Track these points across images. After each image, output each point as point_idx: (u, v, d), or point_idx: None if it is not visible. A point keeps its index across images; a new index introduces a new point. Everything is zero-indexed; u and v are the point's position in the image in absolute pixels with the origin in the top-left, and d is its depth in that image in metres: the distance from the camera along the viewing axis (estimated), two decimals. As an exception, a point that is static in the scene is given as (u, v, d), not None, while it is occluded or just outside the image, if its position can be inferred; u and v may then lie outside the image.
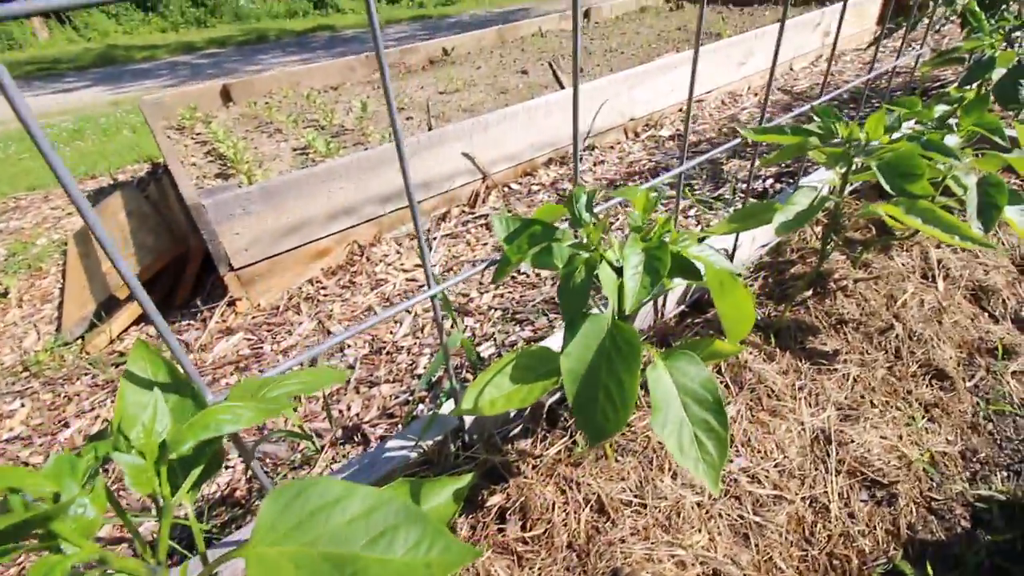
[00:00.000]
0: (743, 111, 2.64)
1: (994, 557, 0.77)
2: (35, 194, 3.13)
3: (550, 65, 2.34)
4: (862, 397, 0.90)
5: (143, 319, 1.71)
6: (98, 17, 15.13)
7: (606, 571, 0.67)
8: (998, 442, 0.97)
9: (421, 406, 1.21)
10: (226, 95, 2.96)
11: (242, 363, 1.47)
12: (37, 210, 2.86)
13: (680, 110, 2.66)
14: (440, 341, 0.65)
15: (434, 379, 1.24)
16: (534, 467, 0.75)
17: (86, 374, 1.52)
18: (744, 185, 1.88)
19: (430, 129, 2.06)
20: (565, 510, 0.70)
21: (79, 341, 1.65)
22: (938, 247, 1.25)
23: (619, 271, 0.53)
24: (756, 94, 2.87)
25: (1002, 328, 1.11)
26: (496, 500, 0.71)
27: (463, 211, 2.00)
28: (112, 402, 1.41)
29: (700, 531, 0.72)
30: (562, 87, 2.30)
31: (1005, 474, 0.92)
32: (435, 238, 1.88)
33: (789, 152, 0.80)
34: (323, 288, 1.74)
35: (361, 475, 0.71)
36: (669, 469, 0.80)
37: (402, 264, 1.78)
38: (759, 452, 0.80)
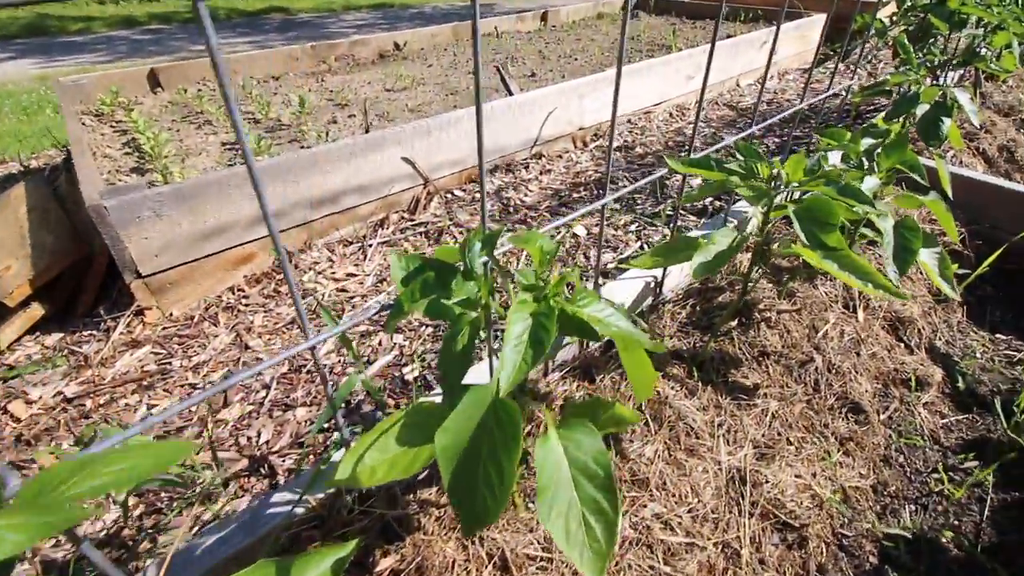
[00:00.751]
0: (690, 124, 2.67)
1: (896, 600, 0.78)
2: None
3: (498, 70, 2.29)
4: (779, 434, 0.90)
5: (39, 327, 1.55)
6: (27, -19, 14.05)
7: (507, 633, 0.62)
8: (908, 475, 0.99)
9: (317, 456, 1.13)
10: (154, 80, 2.76)
11: (146, 380, 1.35)
12: None
13: (629, 120, 2.67)
14: (326, 394, 0.59)
15: (327, 425, 1.17)
16: (437, 519, 0.70)
17: (-36, 391, 1.36)
18: (671, 213, 1.89)
19: (366, 131, 1.97)
20: (466, 569, 0.65)
21: (-39, 352, 1.48)
22: (860, 276, 1.28)
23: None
24: (703, 108, 2.91)
25: (916, 359, 1.14)
26: (388, 563, 0.66)
27: (402, 217, 1.92)
28: (-9, 424, 1.26)
29: (610, 582, 0.69)
30: (510, 93, 2.25)
31: (913, 508, 0.94)
32: (371, 245, 1.80)
33: (711, 189, 0.78)
34: (245, 297, 1.62)
35: (240, 534, 0.64)
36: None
37: (333, 272, 1.69)
38: (674, 496, 0.78)
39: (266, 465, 1.09)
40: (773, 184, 0.74)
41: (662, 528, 0.75)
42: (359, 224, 1.85)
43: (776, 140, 2.40)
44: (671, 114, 2.80)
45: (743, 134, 1.05)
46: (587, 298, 0.50)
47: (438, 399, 0.62)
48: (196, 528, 0.98)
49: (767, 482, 0.84)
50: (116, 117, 2.42)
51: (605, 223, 1.79)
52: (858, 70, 1.91)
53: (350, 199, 1.77)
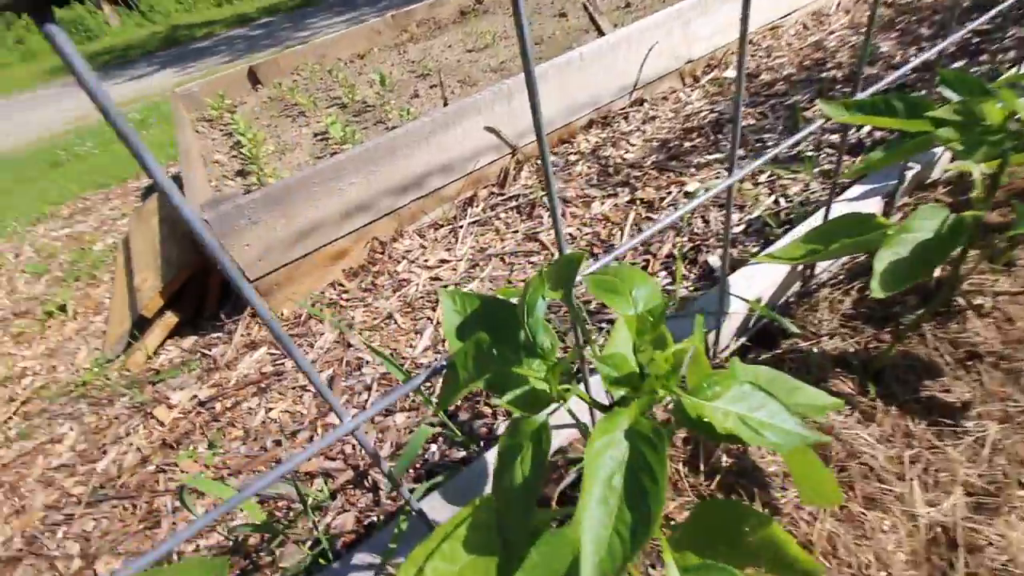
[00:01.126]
0: (831, 35, 2.16)
1: None
2: (100, 193, 3.25)
3: (584, 6, 1.99)
4: (1004, 474, 0.64)
5: (177, 332, 1.69)
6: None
7: None
8: None
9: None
10: (253, 78, 2.86)
11: (264, 382, 1.40)
12: (98, 212, 2.96)
13: (751, 41, 2.23)
14: (383, 471, 0.49)
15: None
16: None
17: (124, 395, 1.53)
18: (828, 176, 1.53)
19: (445, 104, 1.83)
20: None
21: (121, 358, 1.66)
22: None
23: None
24: (848, 11, 2.34)
25: None
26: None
27: (491, 193, 1.79)
28: (144, 428, 1.40)
29: None
30: (601, 33, 1.96)
31: None
32: (462, 226, 1.70)
33: (901, 153, 0.52)
34: (345, 292, 1.63)
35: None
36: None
37: (426, 260, 1.62)
38: (850, 568, 0.58)
39: (369, 478, 1.07)
40: (1007, 135, 0.47)
41: None
42: (447, 205, 1.76)
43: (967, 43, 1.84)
44: (805, 25, 2.29)
45: (936, 48, 0.73)
46: (718, 383, 0.32)
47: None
48: (309, 543, 0.98)
49: (990, 544, 0.60)
50: (224, 120, 2.55)
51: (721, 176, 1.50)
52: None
53: (435, 180, 1.67)
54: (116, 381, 1.58)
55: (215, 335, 1.63)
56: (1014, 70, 1.26)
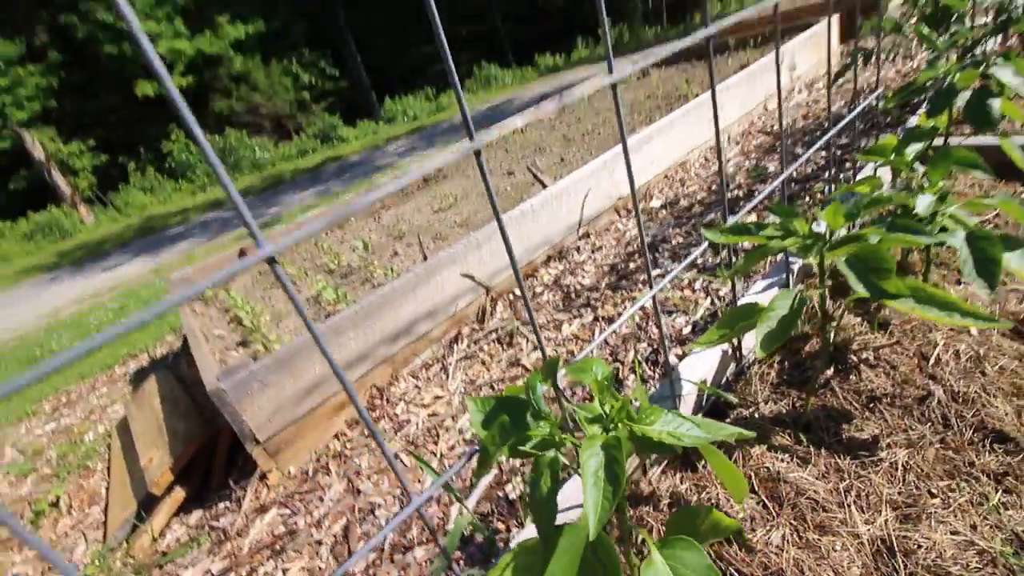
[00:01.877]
0: (728, 163, 2.66)
1: None
2: (84, 384, 3.31)
3: (528, 169, 2.44)
4: (917, 488, 0.80)
5: (182, 509, 1.72)
6: (134, 194, 16.67)
7: None
8: None
9: None
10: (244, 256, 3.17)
11: (277, 544, 1.44)
12: (85, 402, 3.01)
13: (666, 176, 2.70)
14: (437, 544, 0.62)
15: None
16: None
17: (130, 583, 1.52)
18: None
19: (424, 259, 2.14)
20: None
21: (124, 545, 1.66)
22: (958, 283, 1.17)
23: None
24: (737, 142, 2.90)
25: None
26: None
27: (473, 330, 2.01)
28: (157, 611, 1.39)
29: None
30: (544, 186, 2.38)
31: None
32: (451, 364, 1.88)
33: (755, 258, 0.77)
34: (349, 441, 1.73)
35: None
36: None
37: (421, 399, 1.77)
38: None
39: (397, 612, 1.11)
40: (815, 239, 0.72)
41: None
42: (436, 346, 1.96)
43: (824, 154, 2.33)
44: (706, 158, 2.81)
45: (775, 182, 1.04)
46: (652, 415, 0.51)
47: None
48: None
49: (920, 547, 0.74)
50: (219, 298, 2.78)
51: (666, 289, 1.77)
52: (883, 66, 1.87)
53: (423, 325, 1.90)
54: (121, 572, 1.57)
55: (222, 504, 1.67)
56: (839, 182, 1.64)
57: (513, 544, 0.83)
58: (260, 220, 8.88)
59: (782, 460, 0.88)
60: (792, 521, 0.79)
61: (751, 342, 1.12)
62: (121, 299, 5.72)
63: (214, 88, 19.56)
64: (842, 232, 0.74)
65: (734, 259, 1.82)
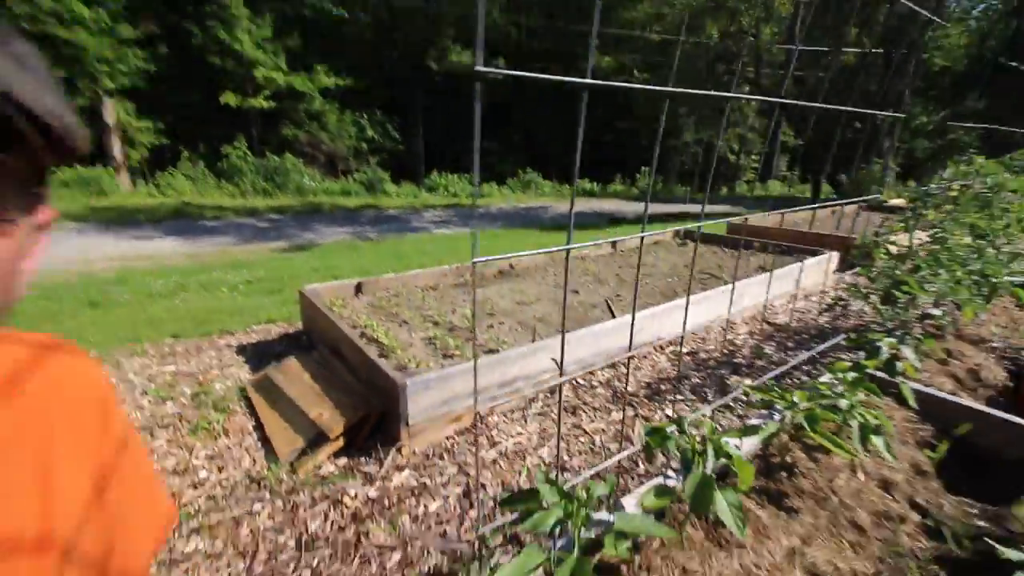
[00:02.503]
0: (738, 336, 3.67)
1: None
2: (180, 343, 3.97)
3: (607, 303, 3.44)
4: (812, 535, 1.65)
5: (338, 454, 2.46)
6: (178, 179, 17.58)
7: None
8: (893, 568, 1.68)
9: None
10: (358, 288, 4.05)
11: (416, 490, 2.20)
12: (193, 358, 3.68)
13: (694, 333, 3.70)
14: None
15: None
16: None
17: (301, 490, 2.24)
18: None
19: (533, 340, 3.04)
20: None
21: (290, 466, 2.38)
22: (860, 453, 2.08)
23: None
24: (747, 323, 3.94)
25: (899, 506, 1.89)
26: None
27: (546, 397, 2.87)
28: (334, 509, 2.11)
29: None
30: (613, 316, 3.36)
31: None
32: (529, 414, 2.72)
33: (749, 431, 1.68)
34: (456, 444, 2.52)
35: None
36: None
37: (509, 431, 2.59)
38: (755, 553, 1.53)
39: (513, 541, 1.87)
40: (785, 410, 1.62)
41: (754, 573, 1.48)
42: (520, 400, 2.80)
43: (806, 351, 3.34)
44: (723, 328, 3.83)
45: (769, 375, 1.98)
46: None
47: None
48: None
49: (806, 555, 1.57)
50: (343, 315, 3.62)
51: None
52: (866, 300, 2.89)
53: (520, 384, 2.76)
54: (292, 479, 2.29)
55: (366, 458, 2.42)
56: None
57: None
58: (295, 240, 9.74)
59: (758, 506, 1.72)
60: (755, 529, 1.63)
61: (747, 448, 1.99)
62: (173, 274, 6.32)
63: (289, 116, 21.37)
64: (802, 407, 1.66)
65: (735, 405, 2.70)
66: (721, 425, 2.54)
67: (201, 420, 2.76)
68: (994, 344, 3.23)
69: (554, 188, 22.69)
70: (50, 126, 0.37)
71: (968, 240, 3.09)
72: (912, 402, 2.16)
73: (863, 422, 1.69)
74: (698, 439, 1.42)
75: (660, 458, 2.33)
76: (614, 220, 14.17)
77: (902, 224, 3.13)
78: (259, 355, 3.66)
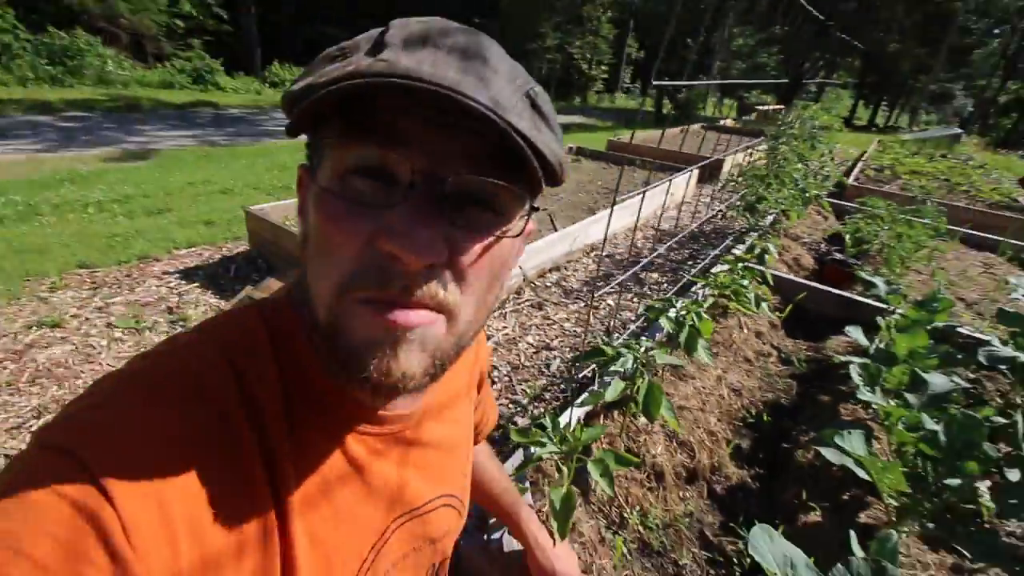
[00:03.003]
0: (640, 239, 4.64)
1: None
2: (98, 272, 3.71)
3: (550, 217, 4.07)
4: (728, 367, 2.63)
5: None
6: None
7: None
8: (767, 380, 2.77)
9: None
10: (303, 208, 4.12)
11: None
12: (140, 287, 3.55)
13: (613, 236, 4.56)
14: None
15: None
16: None
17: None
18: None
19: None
20: None
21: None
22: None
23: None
24: (640, 230, 4.93)
25: (767, 347, 2.99)
26: None
27: (515, 298, 3.52)
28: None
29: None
30: (555, 229, 4.02)
31: (769, 390, 2.72)
32: (507, 312, 3.36)
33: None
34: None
35: None
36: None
37: (495, 326, 3.21)
38: (684, 392, 2.46)
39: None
40: (714, 289, 2.48)
41: (684, 405, 2.39)
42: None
43: (688, 251, 4.41)
44: (626, 235, 4.76)
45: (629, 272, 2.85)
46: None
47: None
48: None
49: (726, 378, 2.54)
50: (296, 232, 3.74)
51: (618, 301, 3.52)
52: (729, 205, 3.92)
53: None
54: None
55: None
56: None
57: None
58: (122, 146, 8.52)
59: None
60: (671, 378, 2.54)
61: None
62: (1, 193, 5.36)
63: (70, -26, 16.77)
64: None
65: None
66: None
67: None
68: (805, 240, 4.64)
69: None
70: (552, 166, 0.41)
71: (797, 164, 4.29)
72: (770, 282, 3.25)
73: (758, 293, 2.66)
74: (682, 311, 2.21)
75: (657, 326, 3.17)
76: None
77: (761, 153, 4.21)
78: (211, 279, 3.66)
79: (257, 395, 0.44)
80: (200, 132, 10.50)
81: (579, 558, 1.57)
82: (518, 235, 0.45)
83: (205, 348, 0.45)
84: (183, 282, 3.62)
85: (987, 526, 1.48)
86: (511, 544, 1.35)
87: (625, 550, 1.69)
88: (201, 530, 0.38)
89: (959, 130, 16.48)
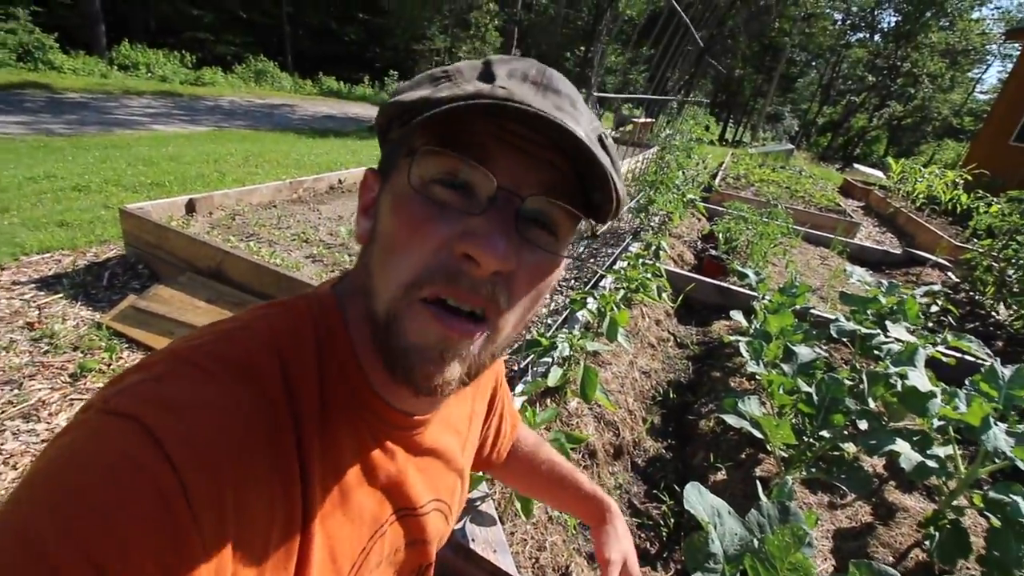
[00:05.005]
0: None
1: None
2: None
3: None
4: (638, 352, 2.90)
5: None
6: None
7: None
8: (668, 362, 3.10)
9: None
10: (190, 207, 3.75)
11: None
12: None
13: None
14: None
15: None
16: None
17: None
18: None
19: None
20: None
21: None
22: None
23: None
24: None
25: (665, 333, 3.34)
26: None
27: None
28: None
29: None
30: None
31: (671, 370, 3.05)
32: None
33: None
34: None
35: None
36: None
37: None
38: (611, 372, 2.69)
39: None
40: (624, 282, 2.76)
41: (607, 388, 2.62)
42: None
43: (589, 250, 4.73)
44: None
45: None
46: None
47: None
48: None
49: (636, 362, 2.80)
50: (188, 233, 3.41)
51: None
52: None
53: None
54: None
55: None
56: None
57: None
58: None
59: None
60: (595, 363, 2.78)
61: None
62: None
63: None
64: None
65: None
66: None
67: (83, 361, 2.53)
68: (685, 239, 5.21)
69: (295, 83, 20.32)
70: (622, 199, 0.45)
71: (678, 172, 4.81)
72: (664, 275, 3.63)
73: (660, 286, 2.97)
74: (601, 303, 2.41)
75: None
76: (373, 128, 13.70)
77: (648, 161, 4.65)
78: (80, 290, 3.21)
79: (298, 388, 0.45)
80: (31, 119, 8.95)
81: (532, 537, 1.68)
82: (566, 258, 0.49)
83: (256, 335, 0.46)
84: (41, 293, 3.11)
85: (854, 465, 1.85)
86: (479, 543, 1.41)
87: (571, 525, 1.82)
88: (244, 508, 0.39)
89: (791, 146, 19.42)
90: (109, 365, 2.53)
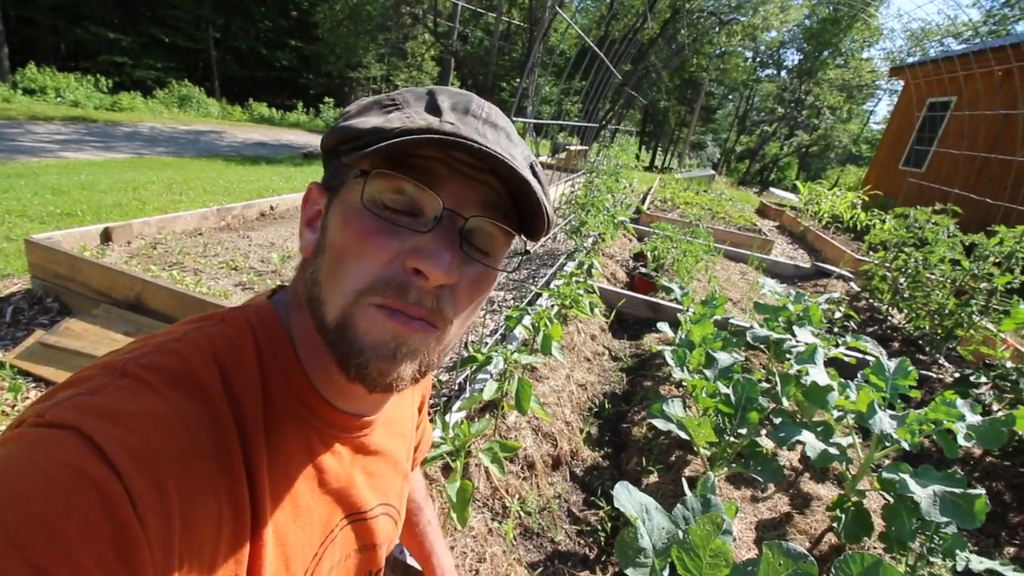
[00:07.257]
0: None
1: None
2: None
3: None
4: (574, 365, 3.01)
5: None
6: None
7: None
8: (604, 375, 3.23)
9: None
10: (106, 235, 3.54)
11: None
12: None
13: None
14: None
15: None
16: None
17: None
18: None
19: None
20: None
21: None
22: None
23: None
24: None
25: (600, 347, 3.48)
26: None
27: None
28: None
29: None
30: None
31: (606, 383, 3.18)
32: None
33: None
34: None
35: None
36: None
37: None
38: (550, 384, 2.78)
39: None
40: (556, 298, 2.87)
41: (544, 401, 2.70)
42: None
43: (527, 271, 4.85)
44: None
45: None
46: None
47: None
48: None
49: (573, 375, 2.90)
50: (104, 263, 3.22)
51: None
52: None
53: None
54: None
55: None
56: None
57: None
58: None
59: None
60: (537, 375, 2.86)
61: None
62: None
63: None
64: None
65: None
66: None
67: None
68: (617, 258, 5.46)
69: (223, 109, 19.64)
70: (551, 219, 0.50)
71: (607, 195, 5.06)
72: (597, 292, 3.79)
73: (592, 302, 3.11)
74: (535, 319, 2.50)
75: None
76: (309, 155, 13.27)
77: (579, 185, 4.87)
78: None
79: (240, 395, 0.47)
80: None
81: (472, 550, 1.69)
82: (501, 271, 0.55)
83: (193, 345, 0.47)
84: (-73, 332, 2.83)
85: (768, 457, 2.01)
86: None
87: (510, 536, 1.85)
88: (190, 513, 0.39)
89: (713, 171, 20.83)
90: (14, 406, 2.33)
